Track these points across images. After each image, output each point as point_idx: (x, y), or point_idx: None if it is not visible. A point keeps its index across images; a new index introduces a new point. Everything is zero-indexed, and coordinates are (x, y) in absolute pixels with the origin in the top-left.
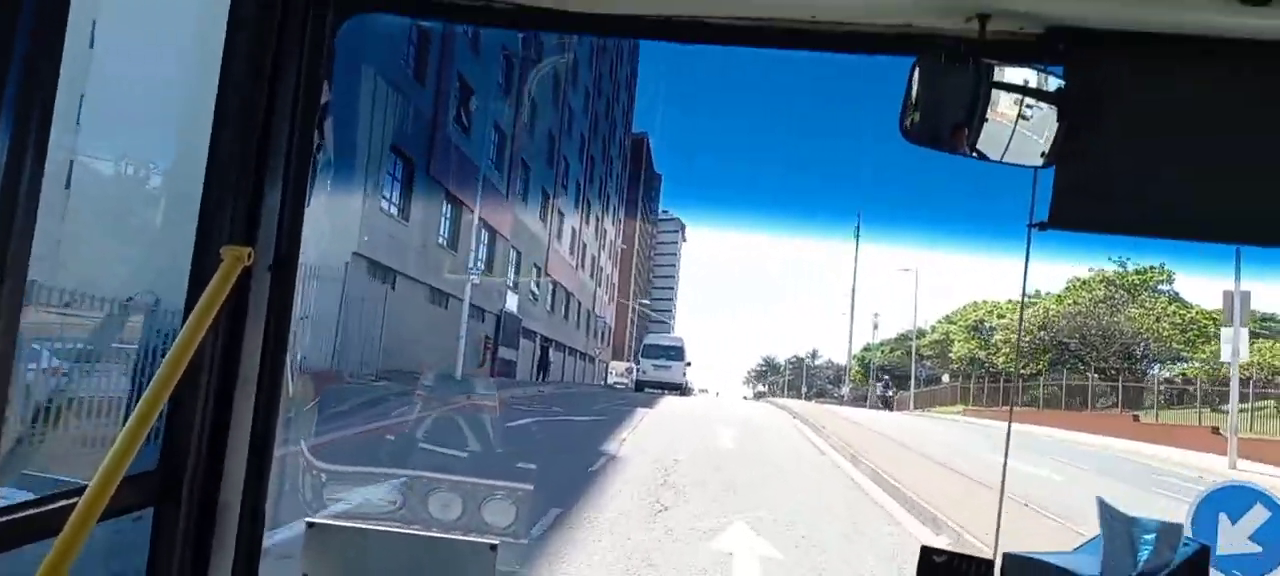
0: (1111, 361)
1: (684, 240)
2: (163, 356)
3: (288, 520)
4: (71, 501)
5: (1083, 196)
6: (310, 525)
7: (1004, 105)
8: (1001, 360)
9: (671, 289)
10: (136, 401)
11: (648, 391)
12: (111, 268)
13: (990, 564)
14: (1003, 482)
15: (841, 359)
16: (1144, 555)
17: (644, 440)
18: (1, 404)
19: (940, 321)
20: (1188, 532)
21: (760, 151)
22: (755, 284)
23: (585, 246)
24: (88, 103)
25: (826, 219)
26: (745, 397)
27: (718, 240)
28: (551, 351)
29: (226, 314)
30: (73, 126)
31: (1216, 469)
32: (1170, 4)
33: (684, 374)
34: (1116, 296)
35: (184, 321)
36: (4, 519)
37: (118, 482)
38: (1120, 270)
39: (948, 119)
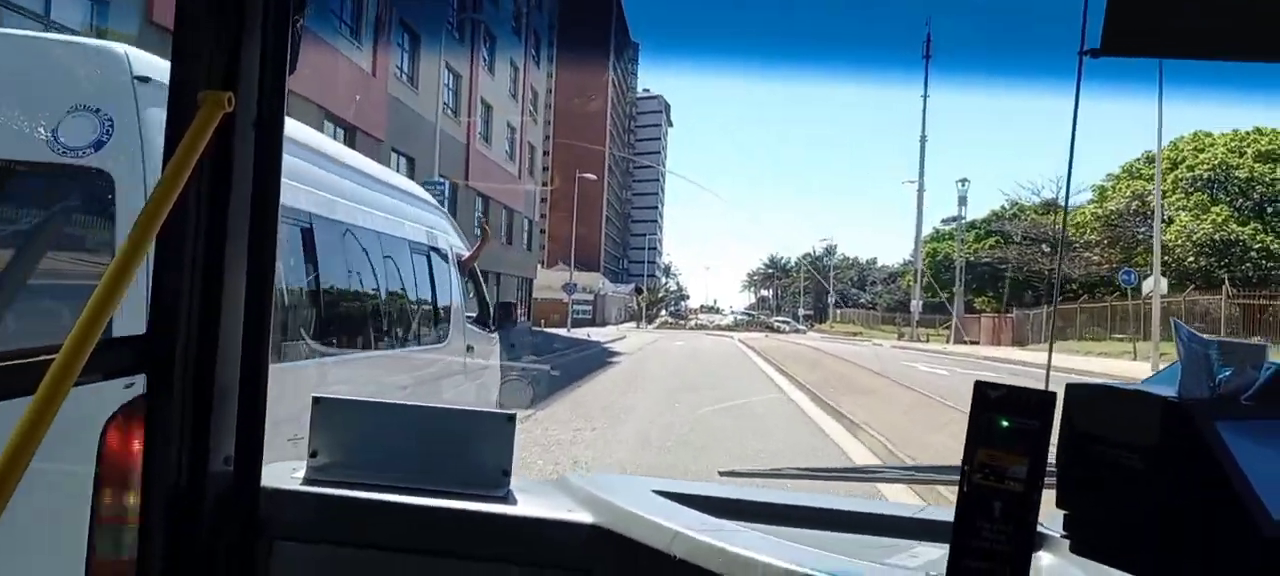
0: None
1: (670, 124)
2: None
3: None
4: (50, 356)
5: (1141, 13)
6: (317, 400)
7: None
8: None
9: (657, 182)
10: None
11: None
12: None
13: (1052, 394)
14: (1053, 327)
15: (871, 255)
16: (1223, 375)
17: None
18: None
19: (1119, 174)
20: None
21: None
22: (760, 167)
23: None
24: None
25: (850, 58)
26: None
27: (712, 121)
28: None
29: (210, 167)
30: None
31: None
32: None
33: None
34: None
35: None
36: None
37: (97, 338)
38: None
39: None
